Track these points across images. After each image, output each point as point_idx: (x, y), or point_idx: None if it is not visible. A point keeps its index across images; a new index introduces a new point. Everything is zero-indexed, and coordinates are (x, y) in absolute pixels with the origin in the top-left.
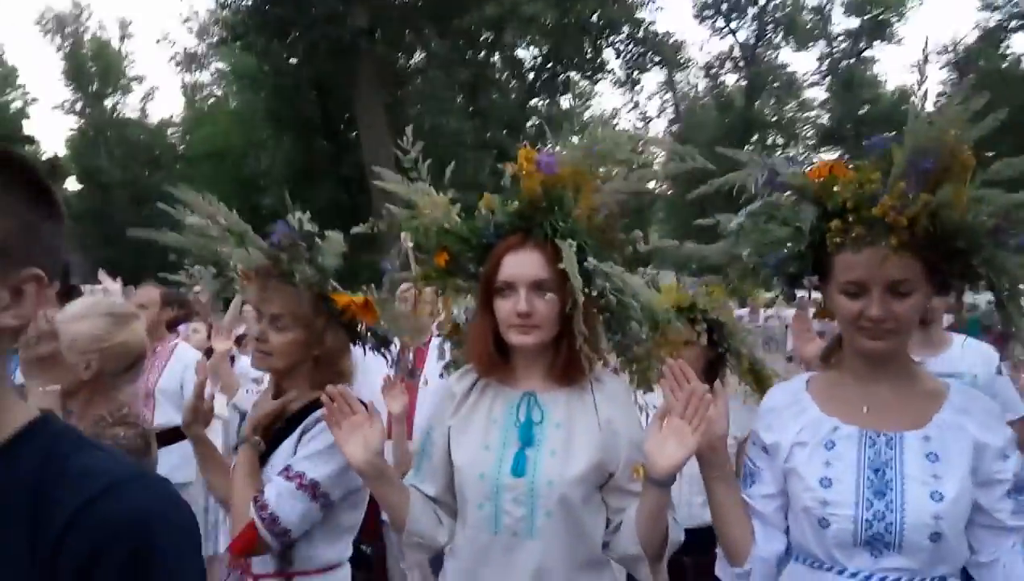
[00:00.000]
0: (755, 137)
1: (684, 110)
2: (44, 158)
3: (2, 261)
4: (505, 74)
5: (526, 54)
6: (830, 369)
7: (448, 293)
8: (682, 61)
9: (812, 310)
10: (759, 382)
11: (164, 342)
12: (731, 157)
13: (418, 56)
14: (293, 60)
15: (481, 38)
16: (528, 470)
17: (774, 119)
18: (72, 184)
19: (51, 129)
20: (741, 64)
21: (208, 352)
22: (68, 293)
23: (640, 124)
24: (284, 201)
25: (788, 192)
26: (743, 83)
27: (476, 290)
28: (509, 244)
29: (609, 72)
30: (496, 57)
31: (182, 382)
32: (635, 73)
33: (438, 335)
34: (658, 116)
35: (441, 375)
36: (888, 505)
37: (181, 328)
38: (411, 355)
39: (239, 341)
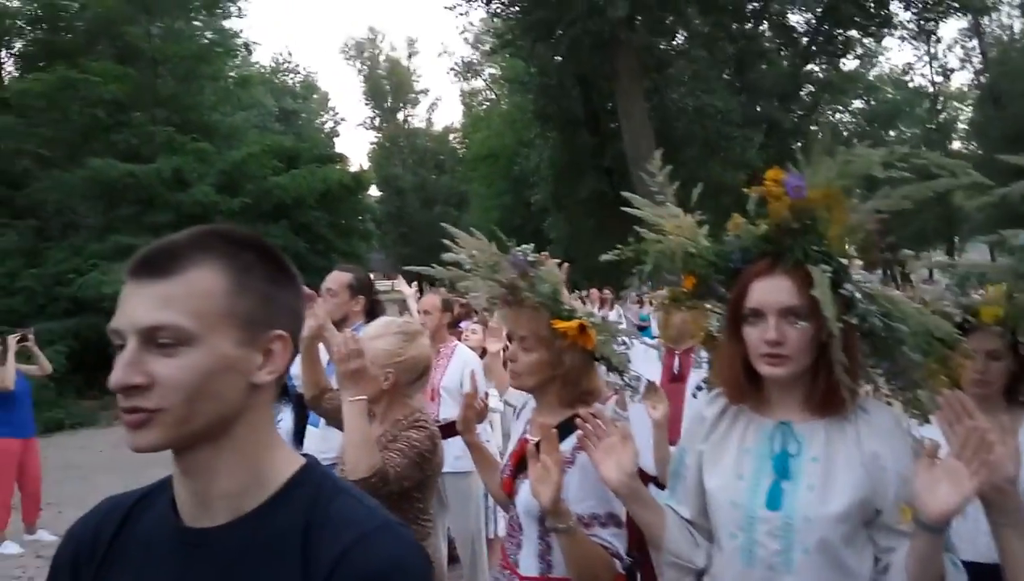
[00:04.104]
0: None
1: (993, 58)
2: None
3: (251, 330)
4: (774, 44)
5: (798, 19)
6: None
7: (697, 314)
8: (989, 2)
9: None
10: None
11: (447, 344)
12: None
13: (679, 39)
14: (558, 59)
15: (747, 9)
16: (784, 504)
17: None
18: (374, 191)
19: (356, 144)
20: None
21: (483, 352)
22: (372, 309)
23: (939, 79)
24: (551, 196)
25: None
26: None
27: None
28: (757, 270)
29: (896, 26)
30: (764, 26)
31: (462, 380)
32: (929, 24)
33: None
34: (961, 68)
35: (694, 394)
36: None
37: (463, 325)
38: (677, 360)
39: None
